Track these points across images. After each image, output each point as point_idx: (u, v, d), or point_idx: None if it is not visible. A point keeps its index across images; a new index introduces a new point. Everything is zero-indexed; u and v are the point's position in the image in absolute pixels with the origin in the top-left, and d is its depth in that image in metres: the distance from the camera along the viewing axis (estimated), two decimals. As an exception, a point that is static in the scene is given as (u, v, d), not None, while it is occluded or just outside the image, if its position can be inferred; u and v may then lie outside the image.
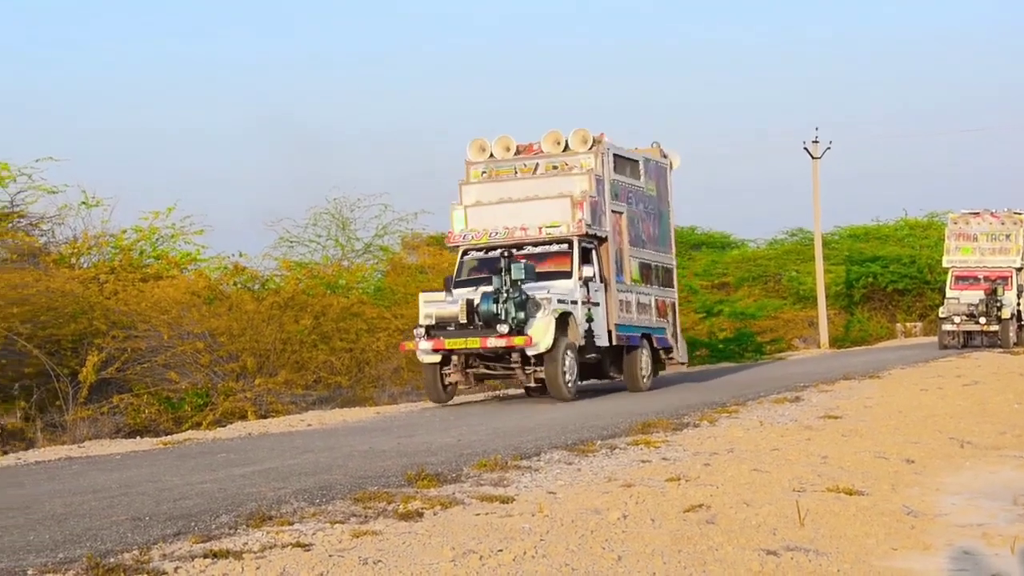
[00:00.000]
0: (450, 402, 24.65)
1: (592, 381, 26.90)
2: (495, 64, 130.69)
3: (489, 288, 23.54)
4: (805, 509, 11.17)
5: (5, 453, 20.38)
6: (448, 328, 23.65)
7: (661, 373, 28.29)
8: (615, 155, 26.11)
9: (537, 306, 23.31)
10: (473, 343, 23.34)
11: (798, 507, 11.14)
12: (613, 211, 25.80)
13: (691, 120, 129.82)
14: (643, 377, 26.28)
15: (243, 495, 11.88)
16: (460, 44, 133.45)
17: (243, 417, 25.13)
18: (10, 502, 12.44)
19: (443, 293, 24.32)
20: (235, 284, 32.41)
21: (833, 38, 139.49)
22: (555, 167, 25.50)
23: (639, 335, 26.34)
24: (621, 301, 25.82)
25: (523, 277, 23.19)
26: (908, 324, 65.08)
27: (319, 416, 23.79)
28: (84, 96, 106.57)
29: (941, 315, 45.78)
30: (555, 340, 23.26)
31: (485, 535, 9.70)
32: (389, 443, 16.83)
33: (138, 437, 22.15)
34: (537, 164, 25.67)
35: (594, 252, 25.23)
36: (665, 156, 28.60)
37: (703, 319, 47.72)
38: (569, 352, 23.66)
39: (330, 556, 8.90)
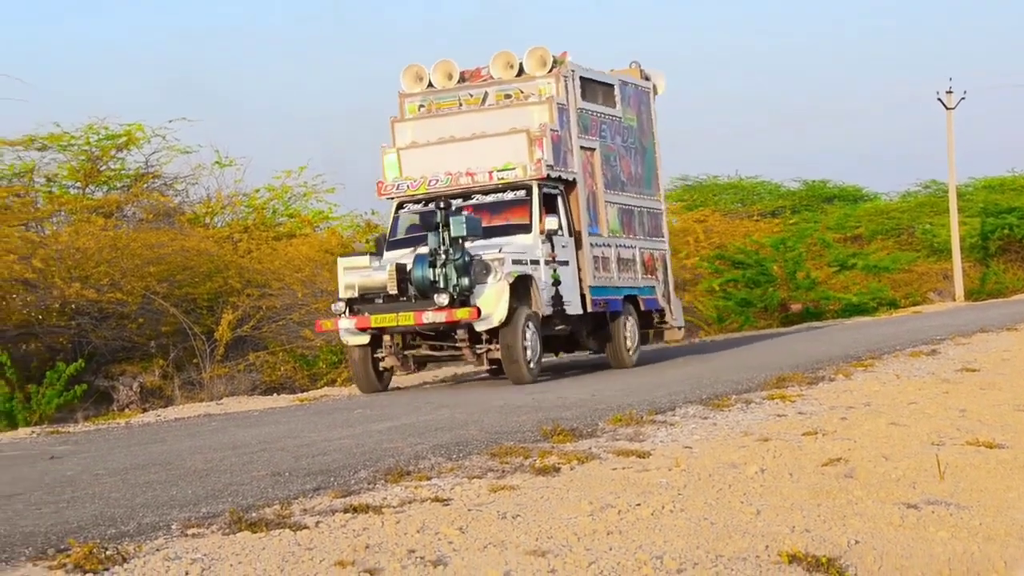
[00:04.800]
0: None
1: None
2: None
3: (424, 249, 19.32)
4: (944, 463, 11.03)
5: (145, 411, 20.76)
6: (375, 301, 19.40)
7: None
8: (582, 78, 21.65)
9: (486, 269, 19.25)
10: (405, 319, 19.03)
11: (938, 461, 11.01)
12: (583, 147, 21.51)
13: (822, 74, 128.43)
14: (629, 350, 22.08)
15: (380, 450, 11.97)
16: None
17: (378, 374, 25.32)
18: (152, 458, 12.64)
19: (368, 257, 20.26)
20: (367, 242, 32.67)
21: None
22: (508, 96, 21.11)
23: (621, 298, 22.07)
24: (596, 258, 21.48)
25: (465, 234, 18.94)
26: (1046, 276, 64.03)
27: (452, 372, 23.93)
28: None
29: (1080, 266, 45.10)
30: (511, 310, 19.16)
31: (622, 489, 9.69)
32: (523, 398, 16.88)
33: (274, 394, 22.42)
34: (486, 93, 21.23)
35: (560, 199, 20.91)
36: (647, 79, 23.89)
37: (836, 272, 47.34)
38: (530, 324, 19.49)
39: (469, 511, 8.94)
